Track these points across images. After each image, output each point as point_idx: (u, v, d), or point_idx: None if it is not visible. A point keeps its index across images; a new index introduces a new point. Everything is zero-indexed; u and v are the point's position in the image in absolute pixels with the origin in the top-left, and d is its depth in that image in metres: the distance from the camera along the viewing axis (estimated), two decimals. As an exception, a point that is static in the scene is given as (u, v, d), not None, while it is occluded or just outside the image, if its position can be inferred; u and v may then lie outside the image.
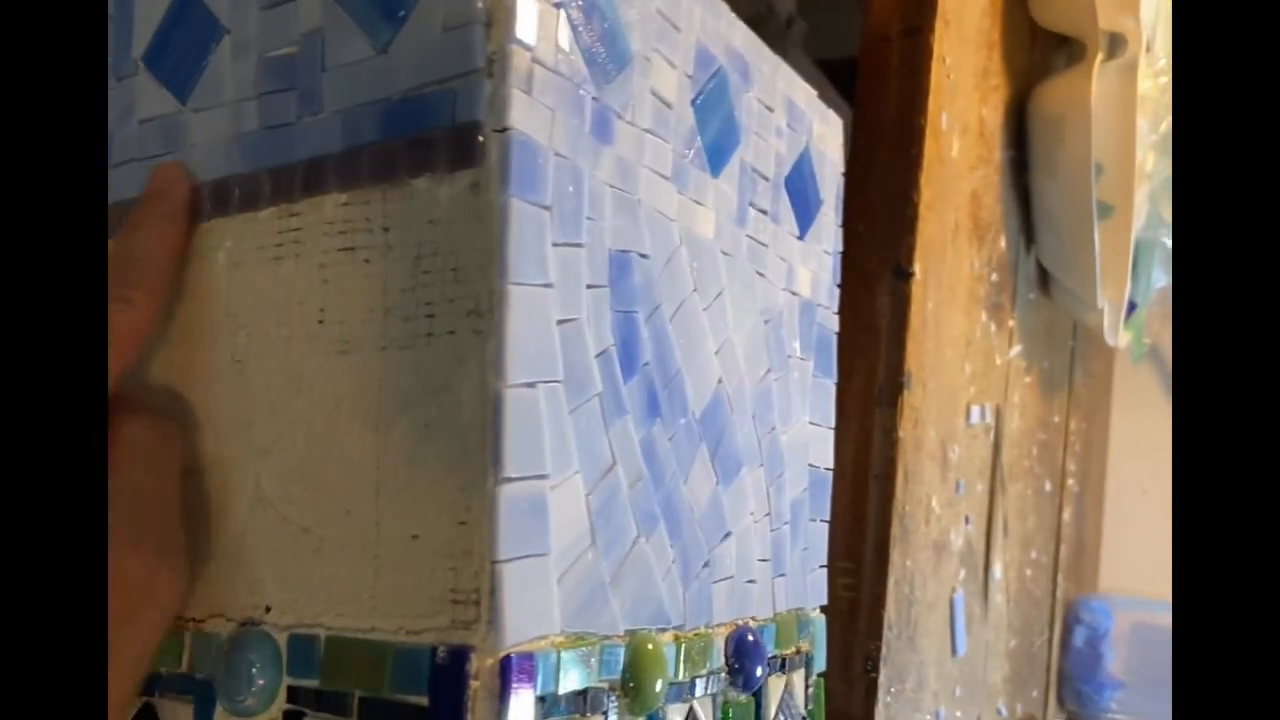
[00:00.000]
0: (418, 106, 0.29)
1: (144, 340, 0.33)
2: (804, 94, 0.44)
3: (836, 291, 0.48)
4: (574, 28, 0.30)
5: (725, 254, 0.39)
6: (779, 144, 0.43)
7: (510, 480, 0.27)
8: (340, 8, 0.30)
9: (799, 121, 0.44)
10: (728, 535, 0.39)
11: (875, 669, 0.60)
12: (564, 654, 0.29)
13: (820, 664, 0.45)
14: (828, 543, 0.60)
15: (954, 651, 0.71)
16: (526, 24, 0.28)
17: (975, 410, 0.74)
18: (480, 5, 0.28)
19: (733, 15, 0.39)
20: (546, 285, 0.29)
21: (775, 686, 0.42)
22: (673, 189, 0.35)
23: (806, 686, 0.44)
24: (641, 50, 0.33)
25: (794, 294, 0.44)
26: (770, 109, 0.42)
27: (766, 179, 0.42)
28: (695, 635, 0.36)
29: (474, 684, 0.27)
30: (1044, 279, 0.90)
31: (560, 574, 0.29)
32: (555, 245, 0.29)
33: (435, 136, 0.28)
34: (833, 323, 0.47)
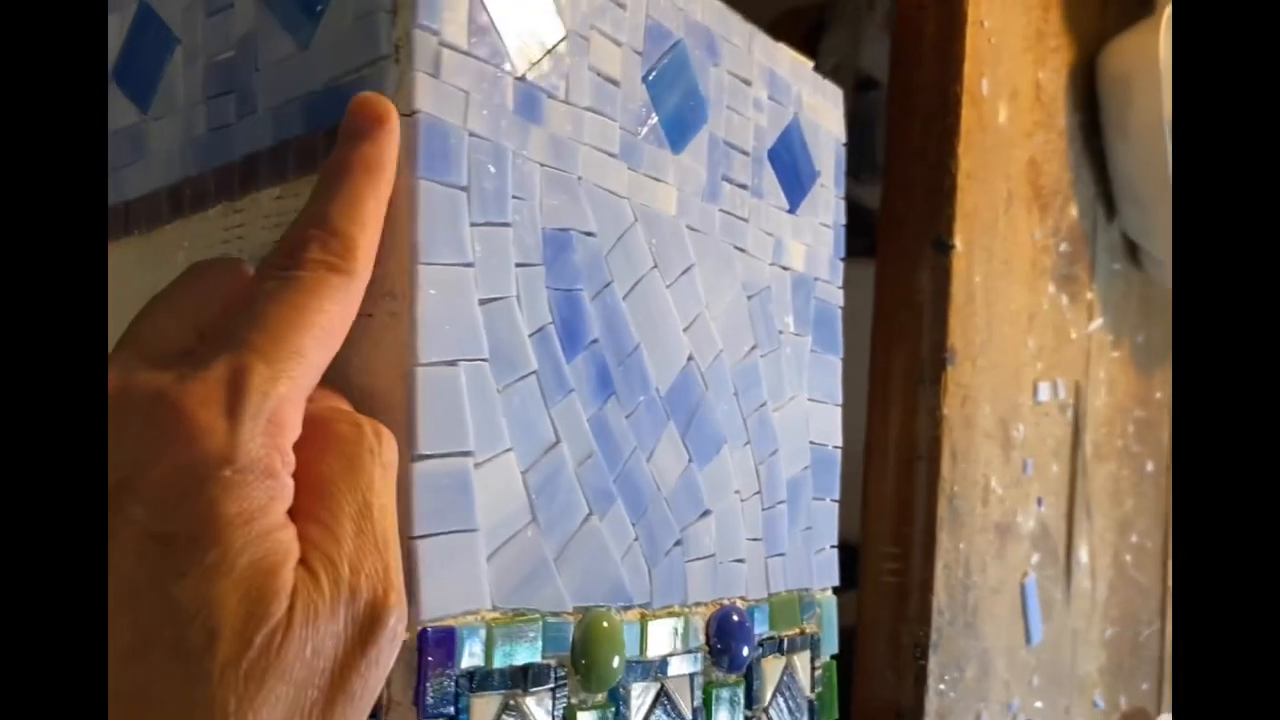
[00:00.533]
0: (335, 97, 0.29)
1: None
2: (790, 65, 0.44)
3: (840, 265, 0.47)
4: (490, 10, 0.30)
5: (693, 229, 0.38)
6: (759, 117, 0.42)
7: (425, 457, 0.28)
8: (268, 9, 0.31)
9: (783, 93, 0.43)
10: (706, 513, 0.38)
11: (924, 656, 0.58)
12: (497, 629, 0.29)
13: (831, 646, 0.45)
14: (871, 527, 0.59)
15: (1028, 639, 0.69)
16: (431, 8, 0.29)
17: (1044, 387, 0.72)
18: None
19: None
20: (465, 265, 0.29)
21: (772, 668, 0.41)
22: (623, 166, 0.35)
23: (813, 669, 0.43)
24: (576, 28, 0.34)
25: (785, 268, 0.43)
26: (746, 81, 0.41)
27: (745, 153, 0.41)
28: (667, 614, 0.36)
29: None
30: (1133, 248, 0.86)
31: (492, 550, 0.30)
32: (475, 225, 0.30)
33: (345, 124, 0.29)
34: (836, 297, 0.46)
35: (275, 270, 0.26)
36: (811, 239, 0.45)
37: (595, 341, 0.34)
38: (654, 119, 0.37)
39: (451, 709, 0.28)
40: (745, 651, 0.39)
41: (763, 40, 0.42)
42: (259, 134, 0.31)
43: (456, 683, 0.28)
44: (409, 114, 0.28)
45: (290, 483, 0.25)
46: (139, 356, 0.25)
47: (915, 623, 0.59)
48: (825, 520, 0.45)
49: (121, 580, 0.23)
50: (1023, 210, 0.68)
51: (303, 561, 0.24)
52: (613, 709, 0.33)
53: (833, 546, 0.45)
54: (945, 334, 0.60)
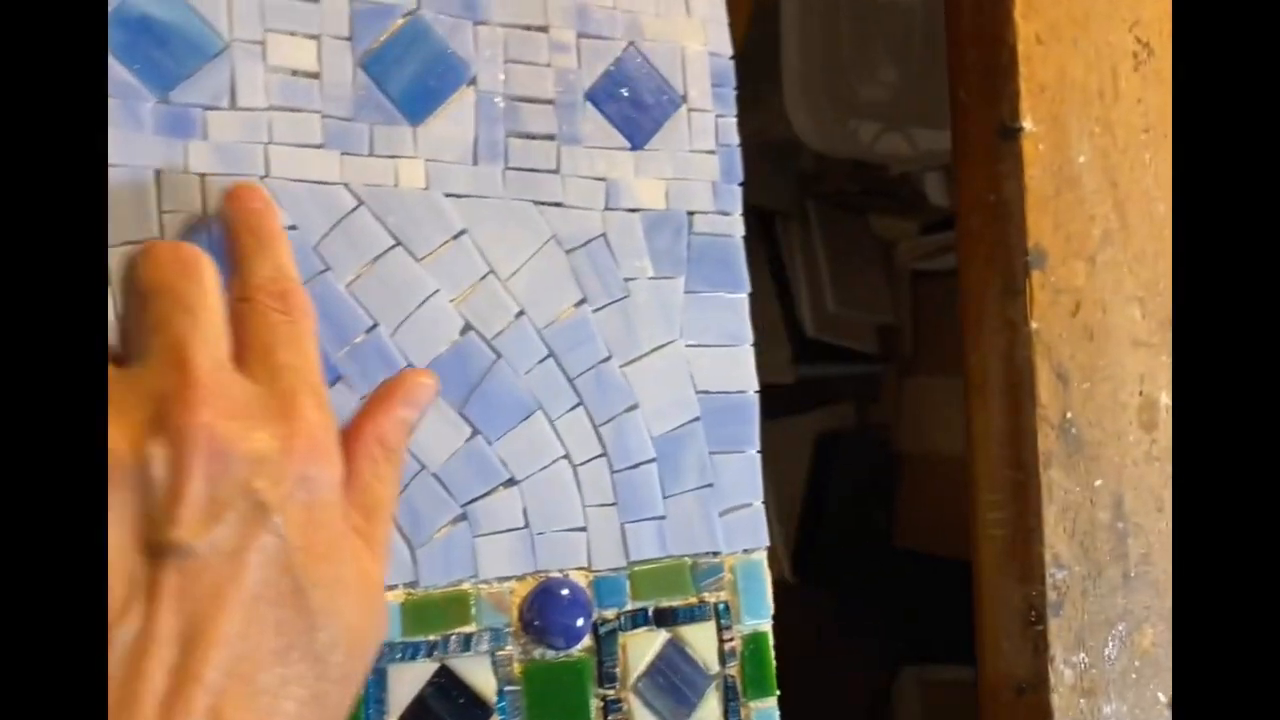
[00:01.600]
0: None
1: None
2: (610, -6, 0.41)
3: (735, 192, 0.42)
4: (114, 50, 0.33)
5: (460, 196, 0.37)
6: (562, 59, 0.40)
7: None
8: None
9: (605, 27, 0.40)
10: (510, 483, 0.37)
11: (1041, 620, 0.49)
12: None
13: (756, 615, 0.40)
14: (974, 471, 0.51)
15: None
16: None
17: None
18: None
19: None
20: (92, 286, 0.32)
21: (640, 642, 0.38)
22: (333, 154, 0.36)
23: (722, 642, 0.39)
24: (244, 36, 0.35)
25: (632, 210, 0.40)
26: (540, 28, 0.39)
27: (548, 101, 0.39)
28: (439, 594, 0.35)
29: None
30: None
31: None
32: (113, 247, 0.32)
33: None
34: (728, 227, 0.42)
35: (277, 312, 0.30)
36: (676, 171, 0.41)
37: (303, 331, 0.35)
38: (380, 97, 0.37)
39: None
40: (579, 624, 0.37)
41: (566, -23, 0.40)
42: None
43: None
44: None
45: None
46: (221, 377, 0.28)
47: (1021, 581, 0.50)
48: (737, 476, 0.41)
49: (269, 588, 0.26)
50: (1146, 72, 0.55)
51: None
52: (366, 690, 0.34)
53: (746, 505, 0.41)
54: (1024, 234, 0.50)
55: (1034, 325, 0.50)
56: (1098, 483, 0.51)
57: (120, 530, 0.25)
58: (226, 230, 0.32)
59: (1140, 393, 0.52)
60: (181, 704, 0.24)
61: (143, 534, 0.25)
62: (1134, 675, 0.50)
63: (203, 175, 0.34)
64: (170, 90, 0.34)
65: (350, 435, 0.30)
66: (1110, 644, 0.50)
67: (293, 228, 0.35)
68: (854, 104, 0.93)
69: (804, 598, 1.20)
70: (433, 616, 0.35)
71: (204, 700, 0.24)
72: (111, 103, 0.33)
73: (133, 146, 0.33)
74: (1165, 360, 0.53)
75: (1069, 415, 0.50)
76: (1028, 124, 0.51)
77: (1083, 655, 0.49)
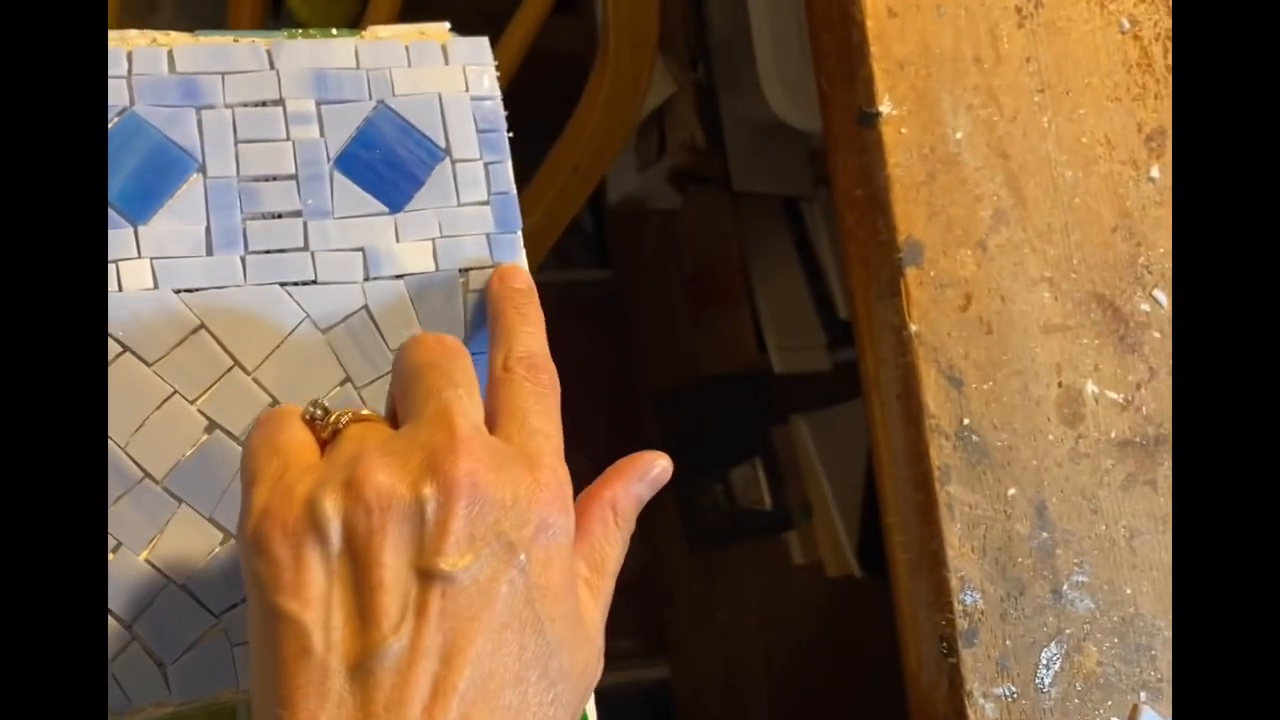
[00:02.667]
0: None
1: None
2: (349, 55, 0.39)
3: (515, 239, 0.40)
4: None
5: (194, 289, 0.36)
6: (303, 131, 0.38)
7: None
8: None
9: (350, 88, 0.38)
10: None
11: (953, 652, 0.45)
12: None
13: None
14: (882, 492, 0.48)
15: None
16: None
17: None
18: None
19: (156, 46, 0.37)
20: None
21: None
22: (46, 270, 0.35)
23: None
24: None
25: (395, 277, 0.38)
26: (275, 102, 0.38)
27: (290, 177, 0.38)
28: (200, 707, 0.34)
29: None
30: None
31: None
32: None
33: None
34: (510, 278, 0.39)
35: (530, 383, 0.34)
36: (444, 229, 0.39)
37: (25, 456, 0.34)
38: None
39: None
40: None
41: (303, 46, 0.38)
42: None
43: None
44: None
45: None
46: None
47: (936, 609, 0.45)
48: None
49: (514, 616, 0.30)
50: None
51: None
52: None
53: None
54: (894, 229, 0.46)
55: (914, 327, 0.45)
56: (1011, 492, 0.46)
57: (399, 557, 0.29)
58: (492, 305, 0.37)
59: (1059, 384, 0.47)
60: (440, 709, 0.28)
61: (415, 561, 0.29)
62: (1076, 700, 0.45)
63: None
64: None
65: (588, 498, 0.34)
66: (1042, 670, 0.45)
67: (9, 351, 0.34)
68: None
69: (872, 591, 1.15)
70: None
71: (458, 709, 0.28)
72: None
73: None
74: (1088, 343, 0.47)
75: (966, 422, 0.45)
76: (886, 107, 0.46)
77: (1008, 685, 0.45)
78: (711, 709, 1.26)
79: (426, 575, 0.29)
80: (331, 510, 0.29)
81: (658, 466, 0.36)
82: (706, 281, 1.15)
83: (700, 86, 1.01)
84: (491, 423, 0.33)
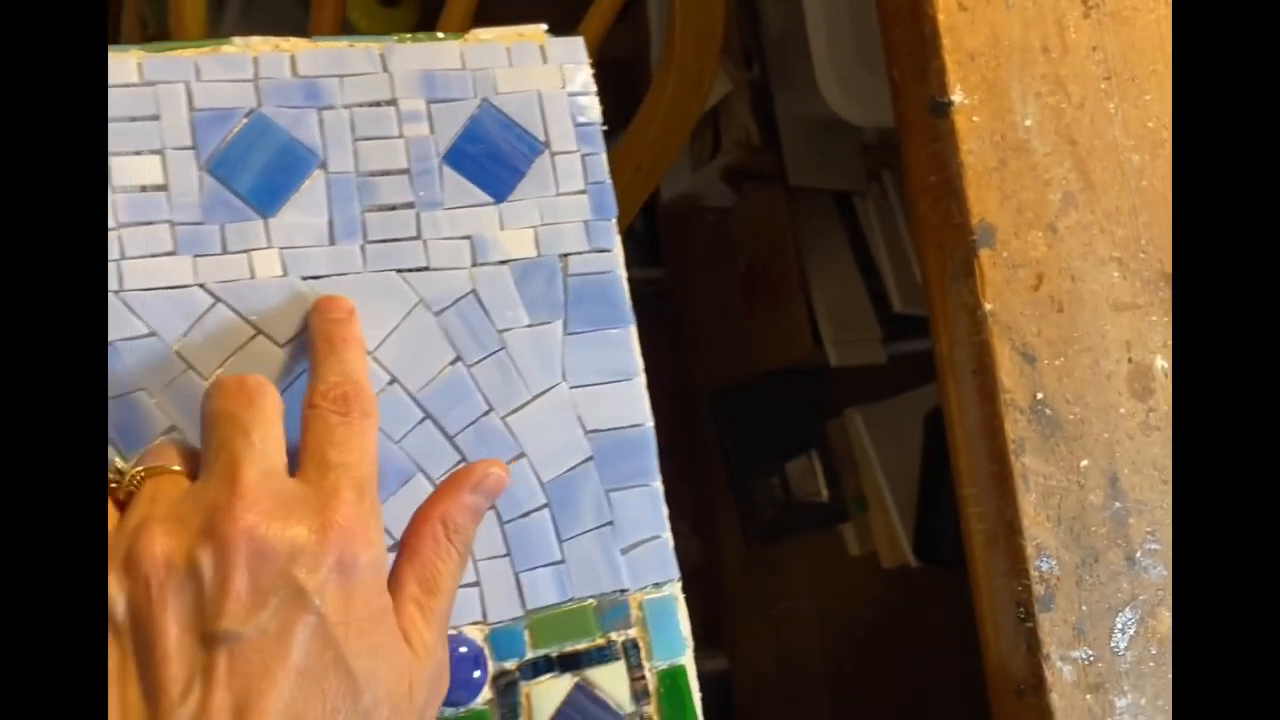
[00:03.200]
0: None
1: None
2: (469, 52, 0.41)
3: (608, 226, 0.42)
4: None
5: (319, 276, 0.39)
6: (414, 129, 0.40)
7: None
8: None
9: (455, 88, 0.41)
10: (394, 548, 0.38)
11: (1030, 616, 0.46)
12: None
13: (670, 651, 0.40)
14: (957, 465, 0.50)
15: None
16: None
17: None
18: None
19: (279, 52, 0.40)
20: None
21: (545, 689, 0.38)
22: (184, 258, 0.38)
23: (634, 680, 0.39)
24: (89, 164, 0.37)
25: (500, 263, 0.41)
26: (388, 102, 0.40)
27: (403, 171, 0.40)
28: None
29: None
30: None
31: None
32: None
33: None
34: (605, 264, 0.41)
35: (335, 414, 0.34)
36: (544, 217, 0.41)
37: (171, 430, 0.37)
38: (228, 196, 0.38)
39: None
40: (472, 678, 0.37)
41: (413, 50, 0.41)
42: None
43: None
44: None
45: None
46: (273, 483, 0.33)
47: (1012, 576, 0.47)
48: (639, 510, 0.40)
49: (313, 660, 0.31)
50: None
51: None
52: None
53: (654, 538, 0.40)
54: (967, 213, 0.48)
55: (989, 306, 0.47)
56: (1084, 463, 0.47)
57: (179, 625, 0.30)
58: (309, 341, 0.37)
59: (1129, 359, 0.49)
60: None
61: (198, 625, 0.30)
62: (1151, 664, 0.47)
63: (62, 300, 0.36)
64: (23, 227, 0.36)
65: (418, 516, 0.35)
66: (1117, 634, 0.47)
67: (151, 334, 0.37)
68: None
69: (928, 581, 1.16)
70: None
71: None
72: (-35, 249, 0.36)
73: (-9, 286, 0.36)
74: (1157, 320, 0.49)
75: (1039, 396, 0.47)
76: (958, 96, 0.48)
77: (1085, 649, 0.46)
78: (770, 701, 1.28)
79: (210, 639, 0.30)
80: (115, 590, 0.30)
81: (490, 475, 0.36)
82: (761, 277, 1.17)
83: (754, 85, 1.03)
84: (295, 464, 0.33)
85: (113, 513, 0.32)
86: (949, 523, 1.14)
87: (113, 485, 0.33)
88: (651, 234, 1.33)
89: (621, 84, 1.12)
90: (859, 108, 0.89)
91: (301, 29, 1.10)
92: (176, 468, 0.33)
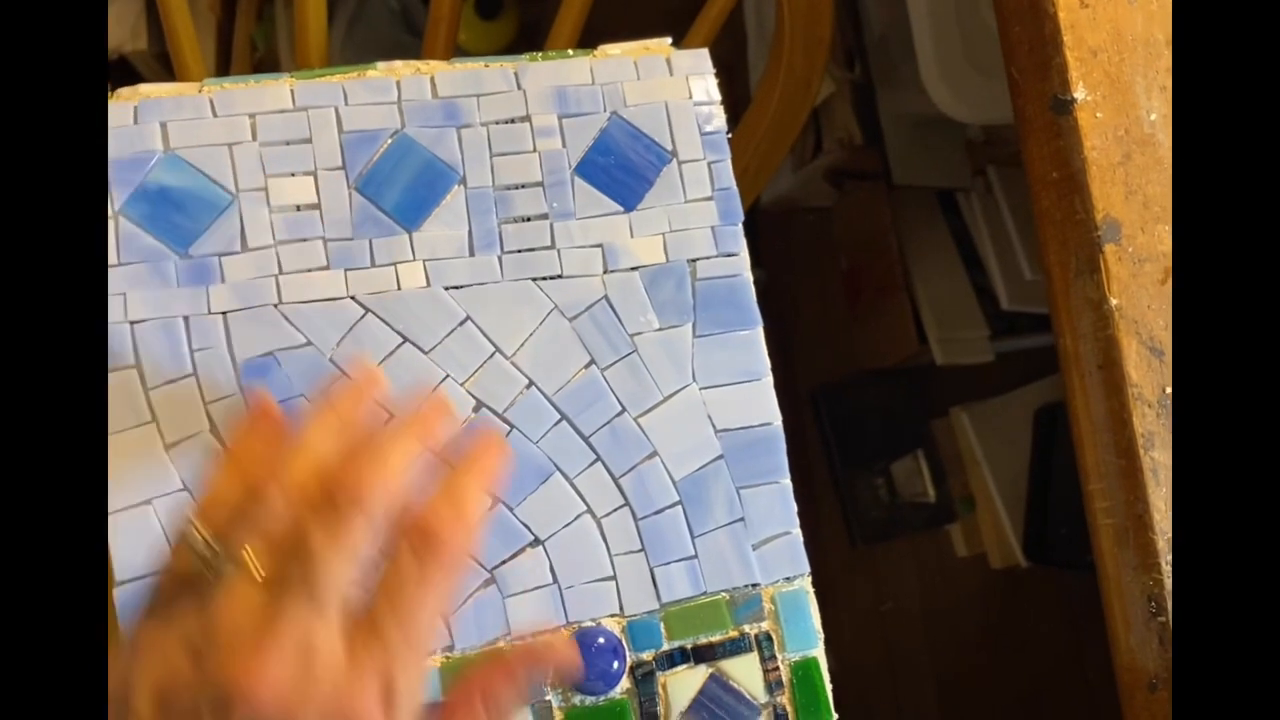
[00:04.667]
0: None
1: None
2: (585, 73, 0.43)
3: (735, 232, 0.43)
4: (139, 223, 0.39)
5: (460, 287, 0.41)
6: (547, 143, 0.42)
7: (124, 582, 0.37)
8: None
9: (586, 103, 0.43)
10: (534, 543, 0.40)
11: (1162, 611, 0.46)
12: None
13: (804, 643, 0.40)
14: (1083, 459, 0.50)
15: None
16: (74, 248, 0.38)
17: None
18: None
19: (420, 75, 0.42)
20: (143, 424, 0.38)
21: (681, 679, 0.40)
22: (336, 273, 0.40)
23: (767, 671, 0.40)
24: (248, 186, 0.40)
25: (630, 269, 0.42)
26: (523, 119, 0.42)
27: (537, 184, 0.42)
28: (474, 655, 0.38)
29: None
30: None
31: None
32: (154, 389, 0.38)
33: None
34: (733, 268, 0.43)
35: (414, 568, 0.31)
36: (673, 224, 0.42)
37: (329, 434, 0.39)
38: (375, 212, 0.41)
39: None
40: (611, 669, 0.39)
41: (545, 67, 0.43)
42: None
43: None
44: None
45: None
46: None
47: (1143, 571, 0.47)
48: (769, 507, 0.41)
49: None
50: None
51: None
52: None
53: (788, 532, 0.41)
54: (1092, 208, 0.48)
55: (1115, 301, 0.47)
56: (1214, 459, 0.47)
57: None
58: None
59: (1259, 354, 0.48)
60: None
61: None
62: None
63: (224, 313, 0.39)
64: (190, 245, 0.39)
65: (461, 682, 0.35)
66: (1252, 631, 0.46)
67: (308, 344, 0.39)
68: (997, 66, 0.89)
69: (1038, 582, 1.15)
70: (472, 676, 0.38)
71: None
72: (141, 266, 0.39)
73: (162, 300, 0.39)
74: None
75: (1167, 390, 0.47)
76: (1080, 93, 0.48)
77: (1218, 646, 0.46)
78: (877, 700, 1.27)
79: None
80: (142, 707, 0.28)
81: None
82: (864, 276, 1.17)
83: (856, 85, 1.03)
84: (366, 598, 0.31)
85: (179, 592, 0.30)
86: (1061, 522, 1.13)
87: (200, 552, 0.30)
88: (751, 236, 1.34)
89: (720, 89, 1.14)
90: (965, 105, 0.89)
91: (403, 47, 1.13)
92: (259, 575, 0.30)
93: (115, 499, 0.37)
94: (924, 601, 1.25)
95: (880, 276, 1.14)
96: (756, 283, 0.44)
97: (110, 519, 0.37)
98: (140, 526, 0.37)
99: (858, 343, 1.21)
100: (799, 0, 0.66)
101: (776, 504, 0.41)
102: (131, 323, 0.38)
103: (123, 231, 0.39)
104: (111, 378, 0.38)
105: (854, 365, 1.22)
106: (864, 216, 1.14)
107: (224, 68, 1.01)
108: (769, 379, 0.42)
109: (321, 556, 0.30)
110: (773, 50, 0.71)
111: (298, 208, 0.40)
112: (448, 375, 0.40)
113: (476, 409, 0.40)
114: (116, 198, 0.39)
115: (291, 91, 0.41)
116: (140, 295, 0.39)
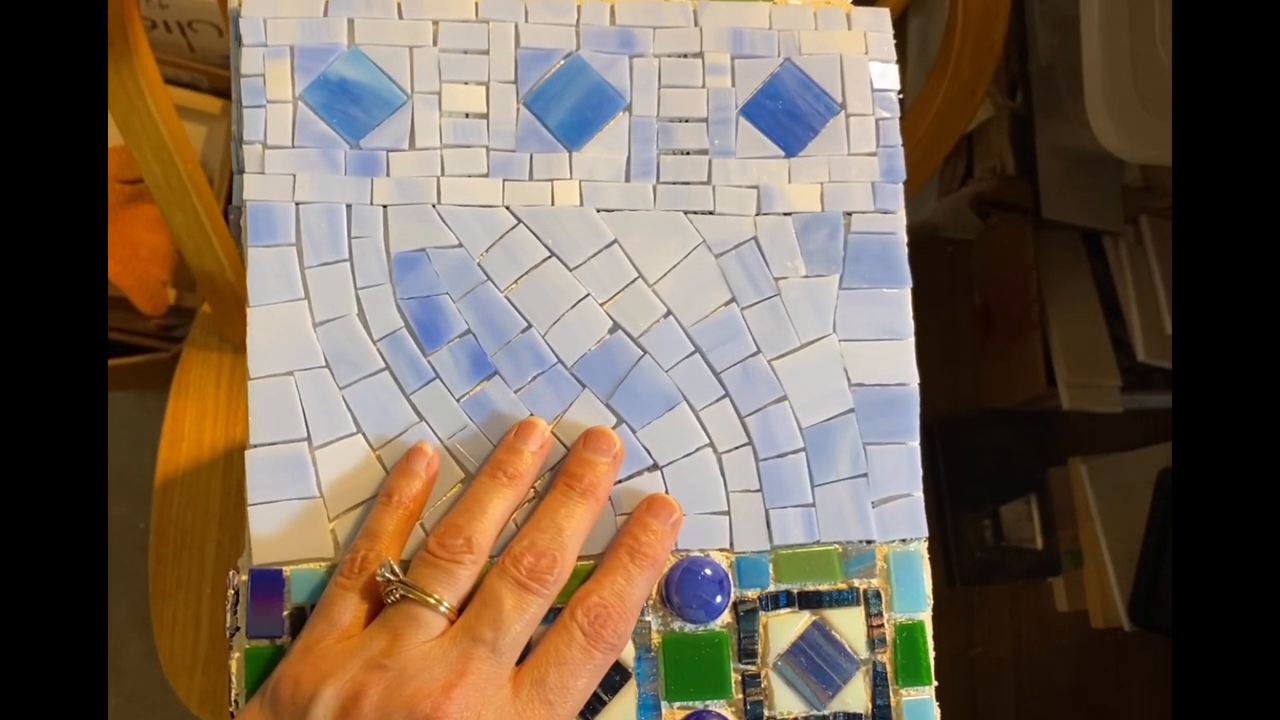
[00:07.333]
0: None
1: None
2: (763, 18, 0.43)
3: (898, 189, 0.42)
4: (315, 109, 0.40)
5: (611, 210, 0.41)
6: (717, 81, 0.42)
7: (258, 446, 0.38)
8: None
9: (761, 46, 0.43)
10: (653, 467, 0.40)
11: None
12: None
13: (912, 605, 0.40)
14: None
15: None
16: (254, 126, 0.40)
17: None
18: (235, 126, 0.41)
19: (603, 3, 0.42)
20: (296, 300, 0.39)
21: (783, 622, 0.39)
22: (495, 181, 0.41)
23: (871, 627, 0.39)
24: (423, 89, 0.41)
25: (784, 214, 0.42)
26: (696, 55, 0.43)
27: (701, 119, 0.42)
28: (583, 566, 0.38)
29: (231, 592, 0.37)
30: None
31: (339, 512, 0.38)
32: (310, 268, 0.39)
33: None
34: (891, 225, 0.42)
35: (582, 638, 0.37)
36: (833, 174, 0.42)
37: (466, 333, 0.40)
38: (540, 129, 0.41)
39: (279, 636, 0.37)
40: (714, 601, 0.38)
41: (724, 8, 0.43)
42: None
43: (281, 612, 0.37)
44: (241, 204, 0.40)
45: None
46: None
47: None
48: (894, 466, 0.41)
49: None
50: None
51: None
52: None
53: (910, 494, 0.40)
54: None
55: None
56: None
57: None
58: (623, 527, 0.40)
59: None
60: None
61: None
62: None
63: (384, 206, 0.40)
64: (361, 138, 0.40)
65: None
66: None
67: (459, 245, 0.40)
68: (1166, 105, 0.86)
69: (1139, 646, 1.10)
70: (575, 587, 0.38)
71: None
72: (312, 151, 0.40)
73: (329, 186, 0.40)
74: None
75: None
76: None
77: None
78: (957, 749, 1.23)
79: None
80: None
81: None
82: (998, 311, 1.14)
83: (1014, 113, 1.02)
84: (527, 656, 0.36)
85: (357, 604, 0.36)
86: (1171, 588, 1.08)
87: (382, 586, 0.36)
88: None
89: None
90: (1128, 142, 0.87)
91: None
92: (444, 607, 0.36)
93: (259, 365, 0.39)
94: (1016, 651, 1.21)
95: (1016, 313, 1.11)
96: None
97: (251, 385, 0.39)
98: (280, 393, 0.39)
99: (984, 379, 1.18)
100: (975, 1, 0.65)
101: (903, 464, 0.41)
102: (298, 203, 0.40)
103: (300, 116, 0.40)
104: (271, 252, 0.39)
105: (977, 402, 1.19)
106: (1006, 251, 1.11)
107: None
108: (911, 340, 0.42)
109: (510, 619, 0.36)
110: (940, 54, 0.70)
111: (466, 115, 0.41)
112: (588, 294, 0.41)
113: (613, 330, 0.40)
114: (299, 82, 0.40)
115: (476, 3, 0.42)
116: (308, 178, 0.40)
